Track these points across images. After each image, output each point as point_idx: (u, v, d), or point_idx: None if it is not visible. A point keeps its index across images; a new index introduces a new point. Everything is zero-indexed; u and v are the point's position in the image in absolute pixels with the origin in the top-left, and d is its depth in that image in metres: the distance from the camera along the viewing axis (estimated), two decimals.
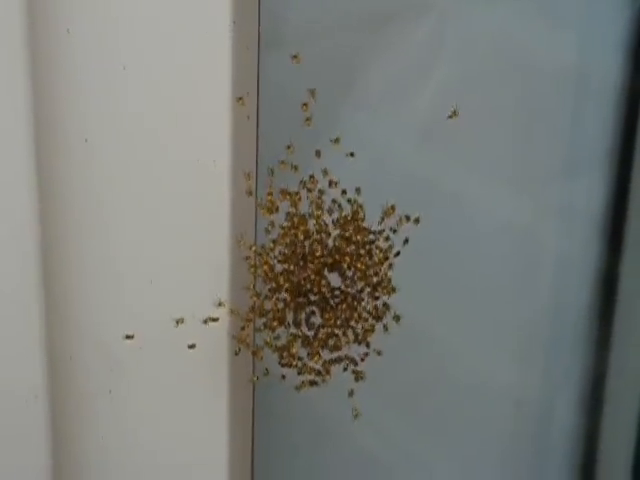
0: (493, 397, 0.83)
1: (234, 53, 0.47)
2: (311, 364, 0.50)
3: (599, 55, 0.77)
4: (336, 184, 0.49)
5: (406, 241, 0.51)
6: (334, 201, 0.49)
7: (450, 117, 0.52)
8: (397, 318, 0.50)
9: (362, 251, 0.50)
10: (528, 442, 0.87)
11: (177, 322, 0.48)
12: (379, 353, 0.50)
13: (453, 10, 0.69)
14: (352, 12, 0.63)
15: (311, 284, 0.49)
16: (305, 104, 0.48)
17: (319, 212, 0.49)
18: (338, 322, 0.50)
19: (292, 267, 0.49)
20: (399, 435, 0.79)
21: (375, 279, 0.50)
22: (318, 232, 0.49)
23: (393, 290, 0.51)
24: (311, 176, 0.48)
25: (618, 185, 0.81)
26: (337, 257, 0.49)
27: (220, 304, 0.50)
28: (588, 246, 0.83)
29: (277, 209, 0.49)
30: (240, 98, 0.47)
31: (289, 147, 0.48)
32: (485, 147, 0.74)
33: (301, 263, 0.49)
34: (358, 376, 0.51)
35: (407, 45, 0.68)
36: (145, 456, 0.52)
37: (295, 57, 0.49)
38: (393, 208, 0.49)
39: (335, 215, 0.49)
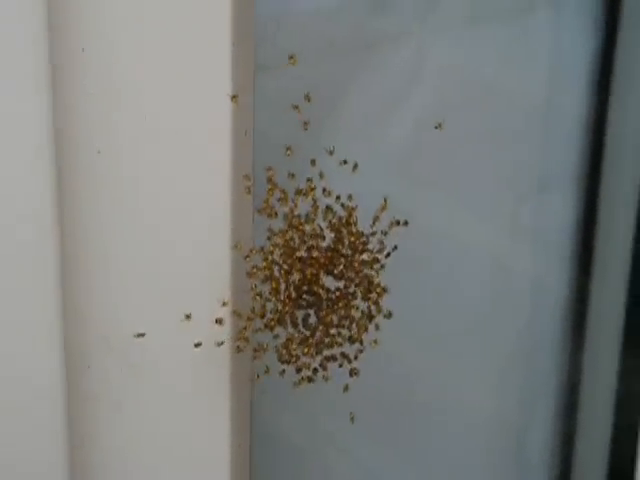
0: (470, 418, 0.85)
1: (233, 72, 0.51)
2: (308, 360, 0.54)
3: (566, 84, 0.81)
4: (329, 193, 0.53)
5: (395, 248, 0.54)
6: (328, 207, 0.53)
7: (436, 128, 0.56)
8: (389, 315, 0.54)
9: (356, 253, 0.53)
10: (505, 458, 0.89)
11: (186, 317, 0.52)
12: (375, 342, 0.53)
13: (430, 40, 0.73)
14: (336, 39, 0.67)
15: (309, 285, 0.53)
16: (297, 106, 0.52)
17: (314, 216, 0.52)
18: (334, 322, 0.54)
19: (291, 268, 0.52)
20: (374, 461, 0.81)
21: (367, 280, 0.54)
22: (314, 236, 0.53)
23: (384, 290, 0.54)
24: (309, 179, 0.52)
25: (586, 207, 0.85)
26: (333, 258, 0.53)
27: (224, 304, 0.53)
28: (559, 267, 0.86)
29: (276, 214, 0.53)
30: (234, 96, 0.50)
31: (288, 149, 0.51)
32: (456, 172, 0.78)
33: (299, 265, 0.53)
34: (353, 372, 0.55)
35: (386, 72, 0.72)
36: (149, 450, 0.55)
37: (291, 58, 0.53)
38: (385, 202, 0.52)
39: (331, 218, 0.52)
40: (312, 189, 0.52)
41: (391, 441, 0.81)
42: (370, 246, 0.53)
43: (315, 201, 0.53)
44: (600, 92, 0.81)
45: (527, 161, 0.82)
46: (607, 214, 0.84)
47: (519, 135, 0.80)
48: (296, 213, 0.52)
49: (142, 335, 0.52)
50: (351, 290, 0.54)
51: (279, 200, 0.52)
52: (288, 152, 0.51)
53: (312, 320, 0.54)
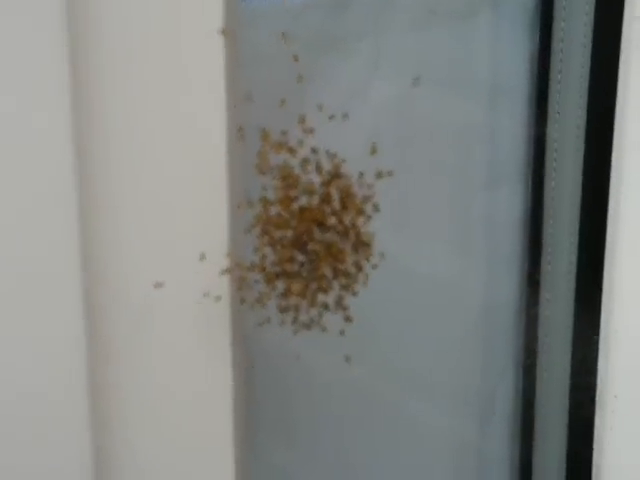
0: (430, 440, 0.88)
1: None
2: (305, 307, 0.58)
3: (508, 83, 0.86)
4: (316, 150, 0.57)
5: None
6: (317, 163, 0.57)
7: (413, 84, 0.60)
8: (380, 258, 0.58)
9: (344, 208, 0.58)
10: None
11: (200, 258, 0.56)
12: (365, 282, 0.57)
13: (383, 38, 0.77)
14: (305, 36, 0.72)
15: (306, 237, 0.57)
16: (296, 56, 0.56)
17: (308, 168, 0.57)
18: (327, 273, 0.58)
19: (286, 222, 0.57)
20: None
21: (355, 232, 0.58)
22: (306, 191, 0.57)
23: (371, 238, 0.58)
24: (302, 118, 0.56)
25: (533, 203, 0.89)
26: (324, 212, 0.57)
27: (228, 255, 0.57)
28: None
29: (270, 169, 0.57)
30: (223, 30, 0.55)
31: (283, 101, 0.56)
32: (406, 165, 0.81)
33: (295, 220, 0.57)
34: (347, 319, 0.59)
35: (347, 67, 0.76)
36: (157, 393, 0.59)
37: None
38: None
39: (324, 172, 0.57)
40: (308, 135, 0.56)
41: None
42: (357, 200, 0.58)
43: (306, 161, 0.57)
44: (539, 90, 0.86)
45: (474, 157, 0.86)
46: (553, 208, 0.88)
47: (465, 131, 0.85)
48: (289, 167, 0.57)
49: (160, 285, 0.56)
50: (341, 244, 0.58)
51: (272, 148, 0.56)
52: (283, 103, 0.56)
53: (307, 271, 0.58)
